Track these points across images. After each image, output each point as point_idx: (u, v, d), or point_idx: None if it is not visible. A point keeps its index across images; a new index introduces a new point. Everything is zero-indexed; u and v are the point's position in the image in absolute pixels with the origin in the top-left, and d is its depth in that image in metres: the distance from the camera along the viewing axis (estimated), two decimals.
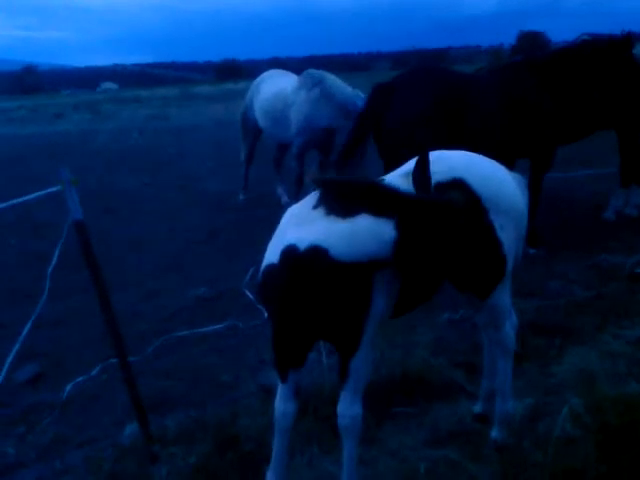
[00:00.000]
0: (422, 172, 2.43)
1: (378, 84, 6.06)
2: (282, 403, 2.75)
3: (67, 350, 4.64)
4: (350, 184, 2.47)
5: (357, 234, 2.34)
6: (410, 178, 2.68)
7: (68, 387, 4.02)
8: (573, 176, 8.39)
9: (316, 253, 2.38)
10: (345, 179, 2.55)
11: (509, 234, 2.83)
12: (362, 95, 7.28)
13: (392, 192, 2.36)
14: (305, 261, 2.39)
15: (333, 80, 7.65)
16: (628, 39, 6.03)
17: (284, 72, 8.72)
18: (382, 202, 2.33)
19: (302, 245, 2.41)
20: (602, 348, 3.91)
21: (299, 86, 7.84)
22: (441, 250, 2.35)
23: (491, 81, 6.01)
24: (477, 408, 3.36)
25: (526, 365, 3.77)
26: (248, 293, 5.35)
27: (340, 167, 5.91)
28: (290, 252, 2.44)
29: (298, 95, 7.77)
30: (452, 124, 5.60)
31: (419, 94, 5.70)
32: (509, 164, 3.85)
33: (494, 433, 3.12)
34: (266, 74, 8.83)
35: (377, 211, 2.33)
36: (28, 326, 3.21)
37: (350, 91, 7.48)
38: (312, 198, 2.55)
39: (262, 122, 8.38)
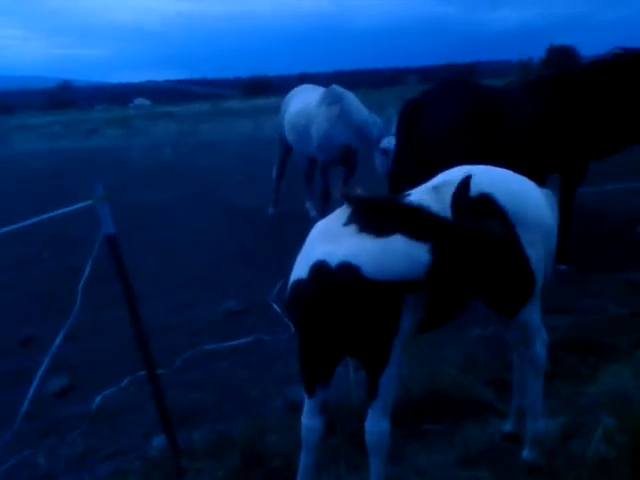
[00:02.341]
0: (462, 197, 2.42)
1: (408, 100, 6.05)
2: (309, 419, 2.74)
3: (97, 363, 4.69)
4: (386, 204, 2.46)
5: (390, 254, 2.33)
6: (439, 192, 2.68)
7: (97, 399, 4.06)
8: (606, 190, 8.25)
9: (347, 270, 2.37)
10: (380, 198, 2.55)
11: (537, 250, 2.79)
12: (378, 120, 7.35)
13: (429, 216, 2.35)
14: (335, 278, 2.39)
15: (352, 100, 7.70)
16: None
17: (314, 87, 8.77)
18: (418, 225, 2.33)
19: (333, 261, 2.41)
20: (637, 367, 3.81)
21: (321, 101, 7.92)
22: (474, 275, 2.34)
23: (522, 95, 5.96)
24: (507, 427, 3.30)
25: (559, 384, 3.69)
26: (276, 307, 5.35)
27: (395, 186, 5.92)
28: (320, 268, 2.43)
29: (319, 110, 7.85)
30: (482, 138, 5.57)
31: (449, 108, 5.69)
32: (540, 179, 3.81)
33: (525, 453, 3.06)
34: (297, 89, 8.90)
35: (412, 233, 2.32)
36: (59, 339, 3.25)
37: (367, 114, 7.54)
38: (341, 213, 2.55)
39: (289, 137, 8.46)
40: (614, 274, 5.50)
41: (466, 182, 2.43)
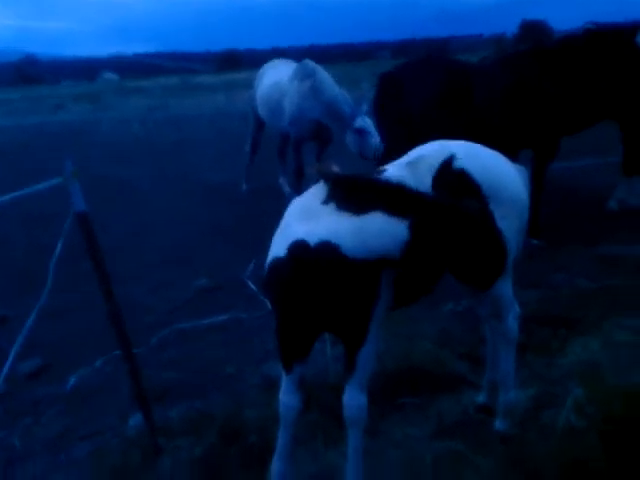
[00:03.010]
0: (443, 176, 2.43)
1: (383, 75, 6.03)
2: (287, 395, 2.75)
3: (71, 342, 4.64)
4: (364, 181, 2.45)
5: (369, 232, 2.34)
6: (414, 167, 2.69)
7: (72, 379, 4.03)
8: (576, 166, 8.36)
9: (326, 249, 2.37)
10: (358, 176, 2.54)
11: (510, 224, 2.81)
12: (349, 98, 7.30)
13: (407, 192, 2.35)
14: (315, 256, 2.39)
15: (325, 76, 7.64)
16: (631, 28, 5.99)
17: (286, 62, 8.69)
18: (396, 202, 2.33)
19: (312, 240, 2.40)
20: (606, 339, 3.91)
21: (293, 76, 7.86)
22: (450, 250, 2.36)
23: (496, 71, 5.99)
24: (480, 399, 3.37)
25: (530, 356, 3.77)
26: (251, 284, 5.35)
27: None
28: (300, 247, 2.43)
29: (292, 85, 7.79)
30: (458, 114, 5.59)
31: (425, 84, 5.70)
32: (512, 154, 3.85)
33: (498, 424, 3.13)
34: (269, 64, 8.81)
35: (391, 210, 2.32)
36: (32, 318, 3.20)
37: (338, 91, 7.49)
38: (318, 190, 2.54)
39: (262, 112, 8.40)
40: (584, 249, 5.60)
41: (449, 161, 2.44)
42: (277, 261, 2.53)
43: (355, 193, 2.41)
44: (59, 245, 3.28)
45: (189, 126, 16.36)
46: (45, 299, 3.31)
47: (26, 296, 4.59)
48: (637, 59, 6.06)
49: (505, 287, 2.96)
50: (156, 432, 3.32)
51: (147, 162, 11.57)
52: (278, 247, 2.54)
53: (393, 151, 5.61)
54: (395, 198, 2.34)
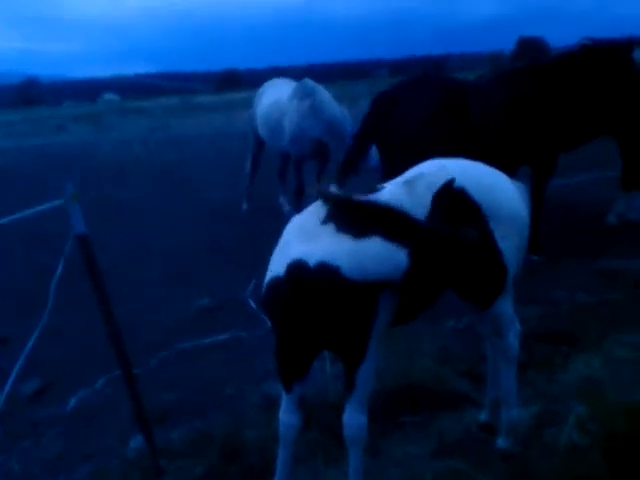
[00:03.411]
0: (442, 198, 2.45)
1: (380, 93, 6.08)
2: (287, 414, 2.74)
3: (72, 363, 4.63)
4: (364, 204, 2.46)
5: (368, 256, 2.35)
6: (412, 187, 2.70)
7: (72, 400, 4.02)
8: (574, 182, 8.38)
9: (325, 270, 2.38)
10: (358, 198, 2.55)
11: (510, 243, 2.82)
12: (349, 117, 7.39)
13: (409, 220, 2.36)
14: (313, 277, 2.39)
15: (324, 94, 7.71)
16: (627, 44, 6.05)
17: (286, 81, 8.76)
18: (398, 228, 2.34)
19: (311, 261, 2.41)
20: (607, 355, 3.89)
21: (293, 95, 7.91)
22: (449, 274, 2.38)
23: (494, 89, 6.03)
24: (482, 417, 3.35)
25: (532, 373, 3.75)
26: (252, 303, 5.34)
27: (341, 177, 5.97)
28: (298, 267, 2.43)
29: (291, 104, 7.84)
30: (455, 132, 5.62)
31: (421, 102, 5.73)
32: (511, 171, 3.87)
33: (500, 442, 3.11)
34: (269, 83, 8.87)
35: (391, 235, 2.33)
36: (32, 339, 3.20)
37: (338, 110, 7.56)
38: (317, 210, 2.55)
39: (262, 131, 8.44)
40: (584, 264, 5.60)
41: (449, 185, 2.46)
42: (275, 280, 2.53)
43: (354, 215, 2.42)
44: (60, 266, 3.29)
45: (190, 146, 16.44)
46: (46, 320, 3.31)
47: (27, 317, 4.59)
48: (633, 75, 6.11)
49: (506, 305, 2.96)
50: (157, 453, 3.30)
51: (148, 182, 11.62)
52: (276, 266, 2.55)
53: (389, 170, 5.66)
54: (394, 224, 2.35)
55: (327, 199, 2.54)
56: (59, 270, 3.28)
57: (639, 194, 6.90)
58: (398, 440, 3.28)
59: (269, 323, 4.44)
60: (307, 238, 2.48)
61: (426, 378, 3.72)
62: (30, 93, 53.90)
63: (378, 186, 2.85)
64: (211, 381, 4.16)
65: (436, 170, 2.79)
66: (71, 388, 4.18)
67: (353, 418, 2.62)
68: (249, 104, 9.29)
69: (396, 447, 3.22)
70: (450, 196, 2.64)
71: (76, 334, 5.11)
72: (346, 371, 2.63)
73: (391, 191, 2.67)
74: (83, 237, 3.19)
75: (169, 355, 4.58)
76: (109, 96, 51.32)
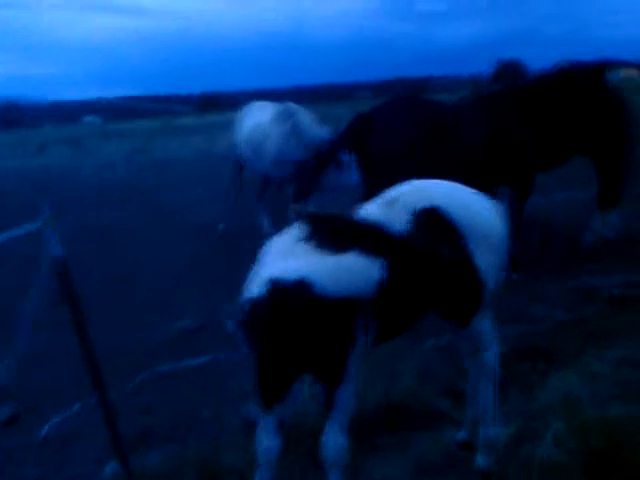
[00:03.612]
0: (420, 220, 2.48)
1: (359, 114, 6.14)
2: (265, 438, 2.71)
3: (47, 389, 4.55)
4: (341, 222, 2.49)
5: (344, 271, 2.36)
6: (390, 207, 2.73)
7: (46, 427, 3.93)
8: (552, 200, 8.48)
9: (302, 287, 2.38)
10: (335, 216, 2.58)
11: (488, 261, 2.85)
12: (331, 134, 7.44)
13: (385, 234, 2.39)
14: (290, 295, 2.39)
15: (305, 116, 7.77)
16: (600, 66, 6.18)
17: (268, 104, 8.81)
18: (373, 242, 2.37)
19: (288, 278, 2.41)
20: (584, 370, 3.92)
21: (274, 118, 7.97)
22: (425, 291, 2.39)
23: (473, 111, 6.12)
24: (461, 435, 3.35)
25: (510, 391, 3.76)
26: (229, 324, 5.30)
27: (300, 196, 6.00)
28: (275, 285, 2.43)
29: (272, 127, 7.89)
30: (434, 153, 5.68)
31: (400, 124, 5.79)
32: (489, 192, 3.91)
33: (479, 460, 3.10)
34: (250, 106, 8.92)
35: (367, 250, 2.35)
36: (4, 365, 3.16)
37: (319, 132, 7.59)
38: (295, 230, 2.56)
39: (244, 154, 8.47)
40: (561, 281, 5.66)
41: (426, 201, 2.49)
42: (253, 299, 2.53)
43: (332, 232, 2.44)
44: (35, 289, 3.26)
45: (171, 169, 16.38)
46: (20, 344, 3.27)
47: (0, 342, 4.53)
48: (607, 95, 6.23)
49: (484, 323, 2.98)
50: (133, 479, 3.25)
51: (129, 205, 11.55)
52: (254, 285, 2.55)
53: (370, 189, 5.69)
54: (370, 238, 2.38)
55: (304, 217, 2.56)
56: (34, 294, 3.24)
57: (614, 212, 7.00)
58: (377, 461, 3.26)
59: (242, 345, 4.43)
60: (283, 256, 2.49)
61: (406, 397, 3.72)
62: (11, 115, 53.56)
63: (357, 206, 2.88)
64: (189, 405, 4.11)
65: (414, 190, 2.83)
66: (46, 414, 4.09)
67: (333, 440, 2.60)
68: (230, 126, 9.32)
69: (375, 468, 3.20)
70: (427, 214, 2.68)
71: (53, 358, 5.03)
72: (326, 392, 2.62)
73: (369, 210, 2.71)
74: (59, 260, 3.16)
75: (146, 378, 4.51)
76: (90, 119, 51.10)
